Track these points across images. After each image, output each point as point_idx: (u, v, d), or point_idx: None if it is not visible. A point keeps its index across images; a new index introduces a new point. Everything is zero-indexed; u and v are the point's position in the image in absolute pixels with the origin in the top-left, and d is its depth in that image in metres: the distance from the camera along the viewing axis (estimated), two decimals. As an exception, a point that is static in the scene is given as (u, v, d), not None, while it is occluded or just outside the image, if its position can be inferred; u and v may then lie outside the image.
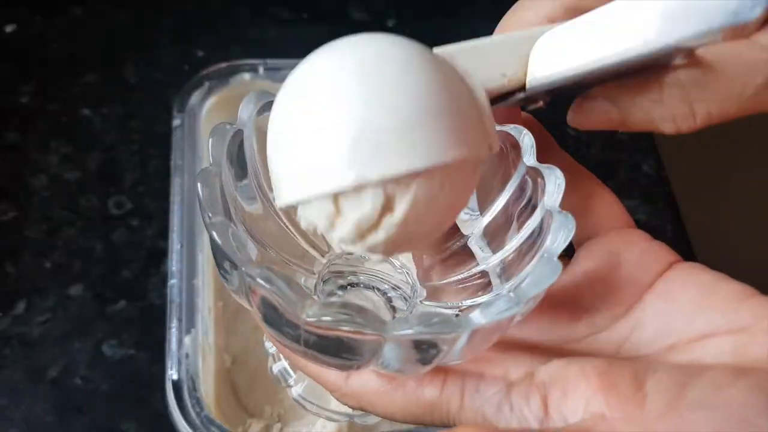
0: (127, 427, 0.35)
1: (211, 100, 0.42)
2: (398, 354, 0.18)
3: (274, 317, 0.19)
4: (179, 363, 0.33)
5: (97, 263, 0.40)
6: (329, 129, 0.18)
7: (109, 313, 0.38)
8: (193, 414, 0.32)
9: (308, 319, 0.17)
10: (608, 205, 0.23)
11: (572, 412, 0.18)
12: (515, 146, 0.23)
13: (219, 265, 0.20)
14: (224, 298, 0.38)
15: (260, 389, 0.36)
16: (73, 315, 0.38)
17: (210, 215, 0.20)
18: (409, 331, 0.17)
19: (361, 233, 0.19)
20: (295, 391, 0.30)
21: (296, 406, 0.36)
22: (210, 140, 0.22)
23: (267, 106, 0.23)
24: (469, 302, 0.24)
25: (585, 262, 0.22)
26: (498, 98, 0.22)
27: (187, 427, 0.31)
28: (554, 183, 0.21)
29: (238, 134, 0.22)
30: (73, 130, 0.45)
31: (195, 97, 0.42)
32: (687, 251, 0.44)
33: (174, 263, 0.36)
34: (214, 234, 0.19)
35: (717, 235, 0.58)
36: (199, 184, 0.20)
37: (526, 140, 0.23)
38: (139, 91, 0.47)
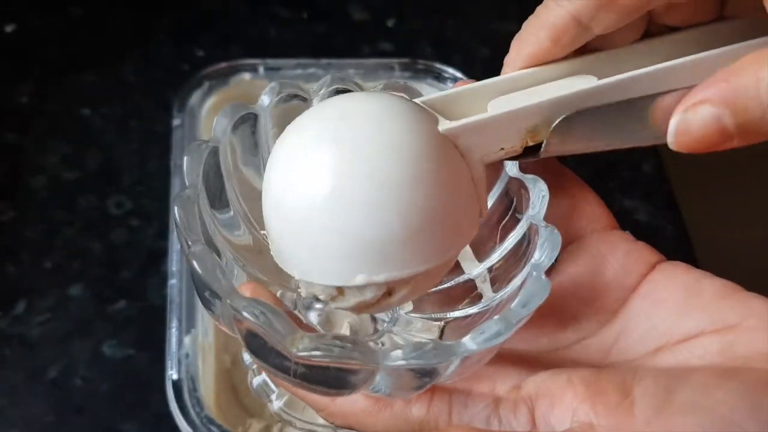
0: (127, 428, 0.35)
1: (211, 100, 0.42)
2: (391, 381, 0.18)
3: (261, 349, 0.18)
4: (179, 363, 0.33)
5: (96, 263, 0.40)
6: (342, 230, 0.18)
7: (109, 314, 0.38)
8: (193, 414, 0.32)
9: (299, 354, 0.17)
10: (590, 207, 0.23)
11: (559, 423, 0.18)
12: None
13: (200, 294, 0.20)
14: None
15: (260, 389, 0.36)
16: (72, 315, 0.38)
17: (189, 243, 0.19)
18: (403, 362, 0.17)
19: (360, 309, 0.20)
20: (277, 405, 0.30)
21: (296, 405, 0.36)
22: (185, 160, 0.21)
23: (242, 120, 0.23)
24: (455, 314, 0.24)
25: (569, 267, 0.22)
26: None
27: (188, 427, 0.31)
28: (538, 195, 0.21)
29: (214, 151, 0.22)
30: (73, 130, 0.45)
31: (195, 97, 0.42)
32: (688, 251, 0.43)
33: (174, 263, 0.36)
34: (195, 264, 0.18)
35: (718, 235, 0.58)
36: (175, 209, 0.20)
37: None
38: (139, 90, 0.47)
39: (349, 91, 0.24)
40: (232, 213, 0.23)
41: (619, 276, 0.22)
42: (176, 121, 0.41)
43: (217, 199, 0.23)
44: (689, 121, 0.18)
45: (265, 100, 0.23)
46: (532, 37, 0.22)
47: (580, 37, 0.22)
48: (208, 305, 0.20)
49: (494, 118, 0.21)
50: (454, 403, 0.19)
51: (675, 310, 0.21)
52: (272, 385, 0.29)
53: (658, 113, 0.20)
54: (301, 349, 0.17)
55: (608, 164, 0.47)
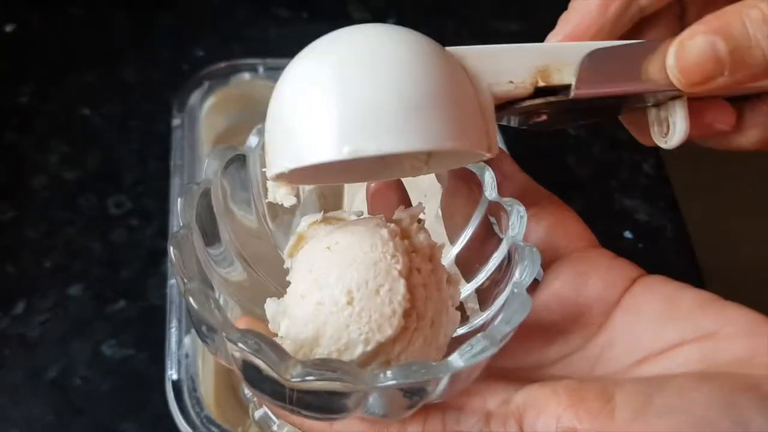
0: (126, 427, 0.35)
1: (211, 100, 0.42)
2: (383, 401, 0.19)
3: (257, 378, 0.19)
4: (179, 363, 0.33)
5: (96, 263, 0.40)
6: (329, 103, 0.18)
7: (108, 314, 0.38)
8: (192, 414, 0.32)
9: (293, 380, 0.18)
10: (571, 226, 0.24)
11: (545, 430, 0.19)
12: (477, 183, 0.24)
13: (197, 329, 0.20)
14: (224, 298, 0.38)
15: (260, 389, 0.36)
16: (72, 315, 0.38)
17: (185, 280, 0.20)
18: (393, 382, 0.18)
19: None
20: None
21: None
22: (179, 202, 0.22)
23: (231, 161, 0.23)
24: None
25: (553, 285, 0.23)
26: (502, 105, 0.22)
27: (187, 427, 0.31)
28: (517, 216, 0.22)
29: (206, 192, 0.23)
30: (73, 130, 0.45)
31: (194, 97, 0.42)
32: (688, 251, 0.43)
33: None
34: (191, 300, 0.19)
35: (718, 234, 0.58)
36: (171, 249, 0.20)
37: (487, 176, 0.23)
38: (139, 90, 0.47)
39: None
40: (223, 249, 0.24)
41: (601, 291, 0.22)
42: (176, 121, 0.41)
43: (211, 236, 0.23)
44: (686, 46, 0.20)
45: (252, 141, 0.24)
46: (582, 6, 0.23)
47: (627, 10, 0.23)
48: (205, 339, 0.20)
49: (502, 48, 0.21)
50: (447, 420, 0.20)
51: (656, 322, 0.21)
52: (273, 416, 0.29)
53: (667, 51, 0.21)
54: (295, 375, 0.17)
55: (609, 164, 0.47)
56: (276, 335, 0.21)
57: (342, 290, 0.20)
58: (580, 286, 0.22)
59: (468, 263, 0.25)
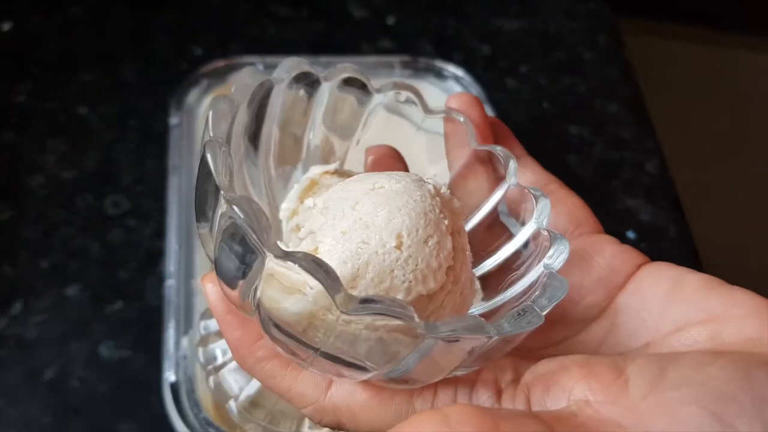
0: (124, 429, 0.35)
1: (209, 99, 0.42)
2: (416, 359, 0.18)
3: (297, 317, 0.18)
4: (177, 364, 0.33)
5: (94, 263, 0.40)
6: None
7: (106, 314, 0.38)
8: (191, 416, 0.32)
9: (349, 312, 0.17)
10: (578, 212, 0.24)
11: (554, 404, 0.19)
12: (495, 168, 0.24)
13: (198, 202, 0.19)
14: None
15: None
16: (69, 316, 0.38)
17: (211, 135, 0.19)
18: (449, 332, 0.17)
19: None
20: (237, 404, 0.29)
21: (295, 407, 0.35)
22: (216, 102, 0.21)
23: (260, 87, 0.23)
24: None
25: (558, 269, 0.23)
26: None
27: (185, 429, 0.31)
28: (544, 203, 0.22)
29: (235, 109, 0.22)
30: (70, 129, 0.44)
31: (193, 96, 0.41)
32: (691, 251, 0.43)
33: (171, 264, 0.35)
34: (208, 156, 0.18)
35: (721, 235, 0.58)
36: (206, 154, 0.19)
37: (512, 164, 0.23)
38: (137, 89, 0.46)
39: (358, 81, 0.25)
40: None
41: (606, 275, 0.22)
42: (174, 120, 0.40)
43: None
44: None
45: (280, 74, 0.24)
46: None
47: None
48: (201, 214, 0.19)
49: None
50: (459, 394, 0.20)
51: (661, 305, 0.21)
52: (219, 354, 0.29)
53: None
54: (352, 307, 0.17)
55: (611, 164, 0.47)
56: None
57: (392, 233, 0.19)
58: (585, 269, 0.22)
59: (484, 242, 0.25)
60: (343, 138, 0.27)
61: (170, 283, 0.35)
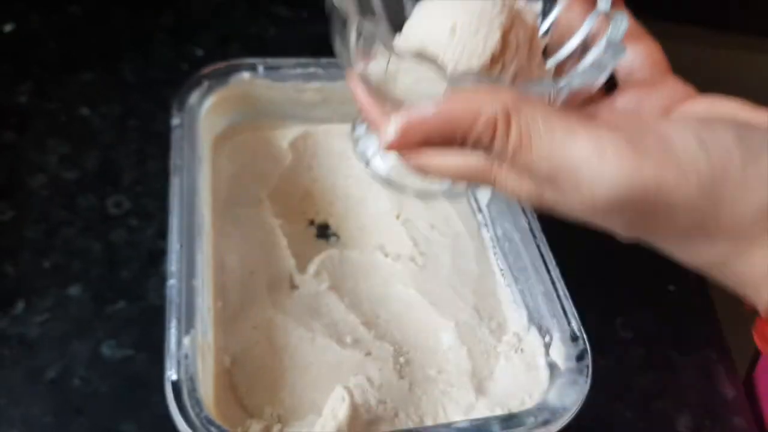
0: (126, 428, 0.35)
1: (210, 99, 0.42)
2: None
3: None
4: (178, 364, 0.33)
5: (95, 263, 0.40)
6: None
7: (108, 314, 0.38)
8: (192, 415, 0.32)
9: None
10: (656, 54, 0.27)
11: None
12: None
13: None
14: (223, 298, 0.38)
15: (260, 390, 0.36)
16: (72, 315, 0.38)
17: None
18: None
19: None
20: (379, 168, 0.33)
21: (296, 407, 0.36)
22: None
23: None
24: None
25: (619, 93, 0.27)
26: None
27: (187, 428, 0.31)
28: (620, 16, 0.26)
29: None
30: (72, 130, 0.45)
31: (194, 97, 0.42)
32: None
33: (173, 263, 0.35)
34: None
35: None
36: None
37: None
38: (138, 90, 0.46)
39: None
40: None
41: (662, 103, 0.26)
42: (175, 121, 0.40)
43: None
44: None
45: None
46: None
47: None
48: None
49: None
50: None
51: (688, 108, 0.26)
52: (372, 153, 0.33)
53: None
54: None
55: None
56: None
57: (447, 22, 0.26)
58: (644, 96, 0.26)
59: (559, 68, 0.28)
60: None
61: (172, 282, 0.35)
